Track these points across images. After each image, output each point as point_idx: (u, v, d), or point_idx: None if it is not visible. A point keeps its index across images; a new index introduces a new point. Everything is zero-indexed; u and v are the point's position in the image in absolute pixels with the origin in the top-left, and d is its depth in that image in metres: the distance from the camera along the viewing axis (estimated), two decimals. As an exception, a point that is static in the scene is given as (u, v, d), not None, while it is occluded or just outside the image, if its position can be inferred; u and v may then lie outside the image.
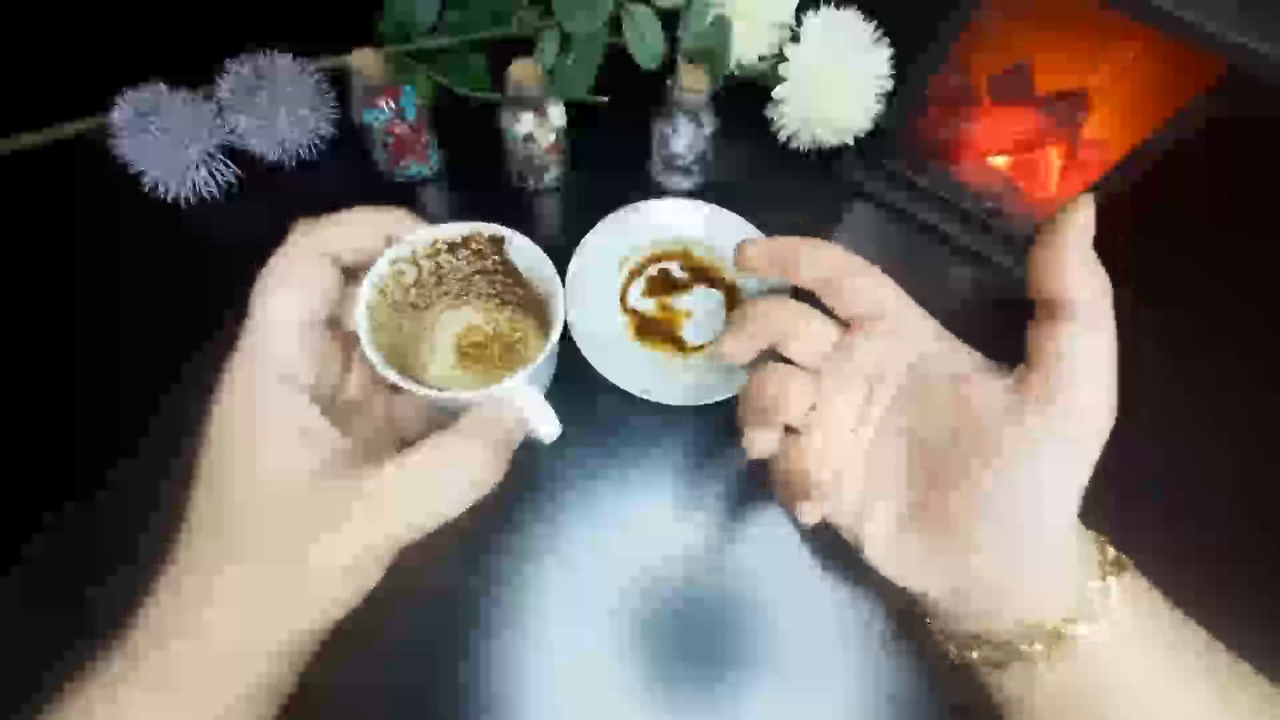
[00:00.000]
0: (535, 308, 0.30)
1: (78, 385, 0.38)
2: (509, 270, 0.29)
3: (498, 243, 0.28)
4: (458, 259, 0.28)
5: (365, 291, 0.25)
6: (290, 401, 0.23)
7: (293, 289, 0.24)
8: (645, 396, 0.38)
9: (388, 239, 0.26)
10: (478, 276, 0.30)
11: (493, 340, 0.32)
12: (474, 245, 0.28)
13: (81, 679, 0.21)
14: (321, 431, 0.23)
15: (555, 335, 0.26)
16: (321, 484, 0.22)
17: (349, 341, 0.26)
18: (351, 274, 0.26)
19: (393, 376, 0.24)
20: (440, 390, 0.25)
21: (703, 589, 0.35)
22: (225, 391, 0.23)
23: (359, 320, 0.25)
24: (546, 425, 0.26)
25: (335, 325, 0.25)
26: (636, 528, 0.37)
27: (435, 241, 0.27)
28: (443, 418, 0.25)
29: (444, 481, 0.23)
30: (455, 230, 0.27)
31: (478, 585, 0.35)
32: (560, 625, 0.34)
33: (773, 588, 0.36)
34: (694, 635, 0.34)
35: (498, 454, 0.24)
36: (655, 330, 0.42)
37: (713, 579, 0.36)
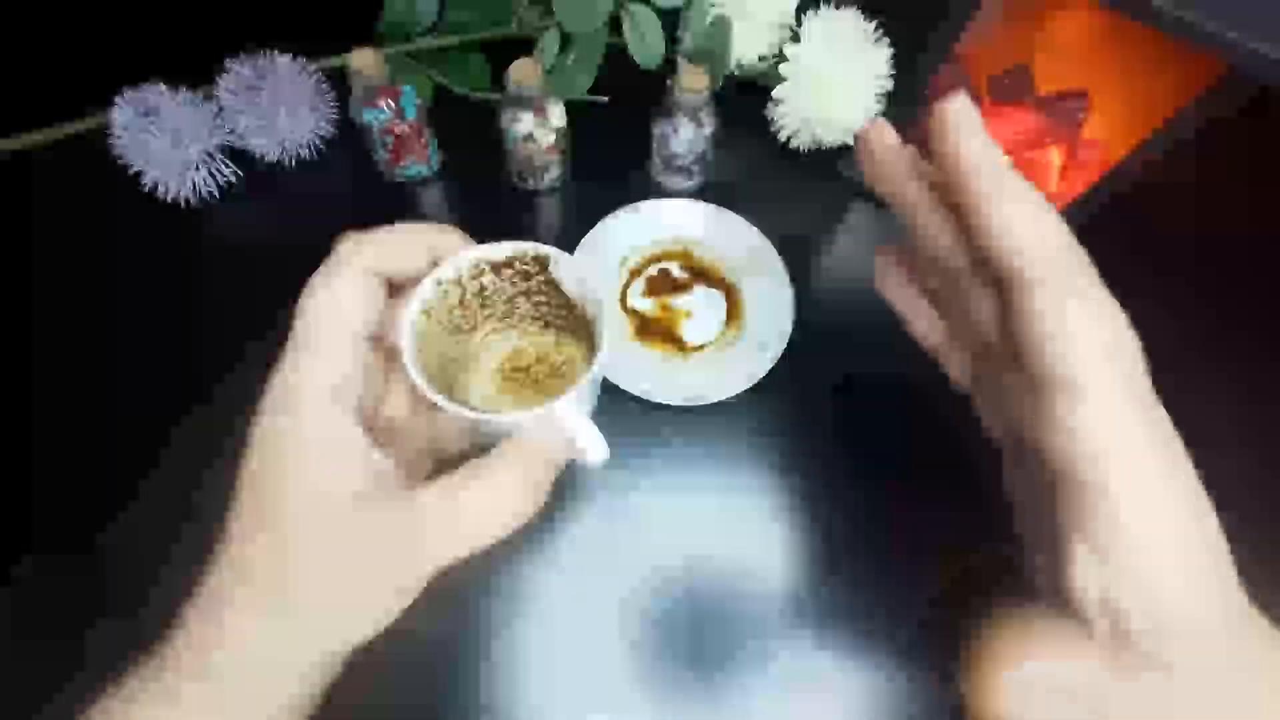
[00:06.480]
0: (581, 329, 0.29)
1: (77, 384, 0.38)
2: (554, 291, 0.28)
3: (542, 262, 0.27)
4: (501, 279, 0.27)
5: (411, 312, 0.24)
6: (338, 416, 0.22)
7: (339, 302, 0.23)
8: (645, 396, 0.38)
9: (433, 258, 0.25)
10: (521, 298, 0.29)
11: (537, 364, 0.30)
12: (518, 265, 0.27)
13: (121, 688, 0.21)
14: (365, 451, 0.22)
15: (602, 356, 0.25)
16: (367, 509, 0.21)
17: (391, 357, 0.25)
18: (394, 288, 0.25)
19: (438, 399, 0.23)
20: (484, 412, 0.24)
21: (705, 588, 0.35)
22: (271, 401, 0.22)
23: (404, 341, 0.24)
24: (594, 448, 0.25)
25: (377, 341, 0.25)
26: (637, 527, 0.37)
27: (479, 261, 0.26)
28: (485, 439, 0.24)
29: (486, 511, 0.22)
30: (500, 250, 0.26)
31: (478, 584, 0.35)
32: (562, 624, 0.34)
33: (775, 587, 0.36)
34: (696, 634, 0.34)
35: (540, 481, 0.23)
36: (655, 330, 0.42)
37: (714, 578, 0.36)
